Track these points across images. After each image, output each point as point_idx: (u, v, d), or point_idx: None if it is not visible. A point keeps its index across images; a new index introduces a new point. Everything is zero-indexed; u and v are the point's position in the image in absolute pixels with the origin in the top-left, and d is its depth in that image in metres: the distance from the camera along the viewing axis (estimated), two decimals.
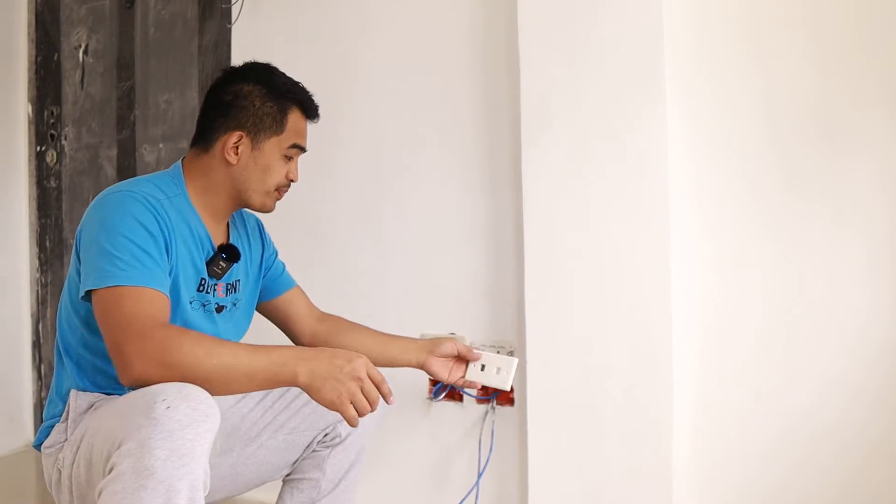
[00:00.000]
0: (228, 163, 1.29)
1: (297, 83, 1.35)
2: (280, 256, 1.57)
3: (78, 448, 1.12)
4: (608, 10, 1.52)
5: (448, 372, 1.43)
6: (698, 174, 1.56)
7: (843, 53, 1.51)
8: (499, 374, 1.42)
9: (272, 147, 1.30)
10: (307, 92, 1.36)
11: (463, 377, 1.44)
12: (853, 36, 1.52)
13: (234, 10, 2.06)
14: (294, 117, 1.32)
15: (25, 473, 2.24)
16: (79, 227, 1.22)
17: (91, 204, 1.22)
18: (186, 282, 1.24)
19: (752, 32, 1.56)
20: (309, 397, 1.35)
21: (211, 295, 1.30)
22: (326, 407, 1.10)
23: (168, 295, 1.15)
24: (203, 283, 1.28)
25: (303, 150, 1.35)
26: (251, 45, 2.04)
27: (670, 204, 1.47)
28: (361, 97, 1.90)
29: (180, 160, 1.34)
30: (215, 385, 1.04)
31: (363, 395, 1.10)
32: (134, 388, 1.06)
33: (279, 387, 1.11)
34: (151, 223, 1.17)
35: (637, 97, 1.50)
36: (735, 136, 1.56)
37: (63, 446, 1.17)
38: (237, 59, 2.07)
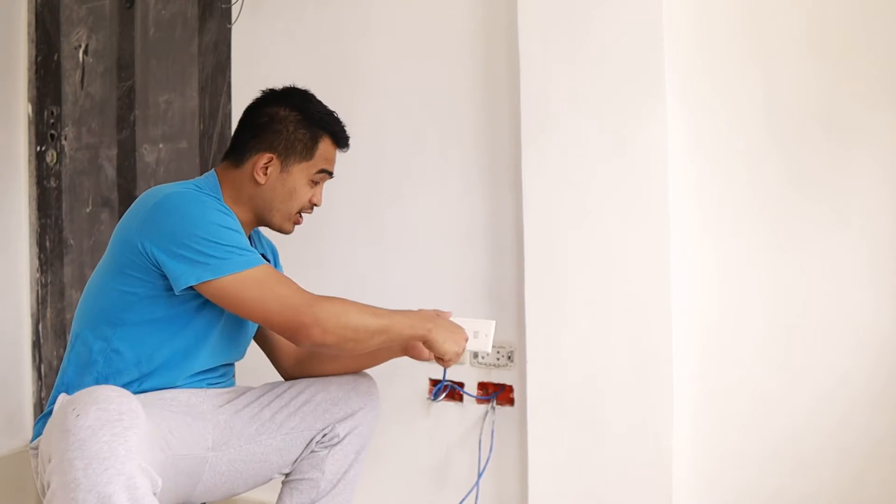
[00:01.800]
0: (257, 182, 1.34)
1: (331, 112, 1.42)
2: (280, 257, 1.57)
3: (39, 459, 1.12)
4: (608, 8, 1.52)
5: (427, 352, 1.42)
6: (699, 172, 1.56)
7: (846, 50, 1.51)
8: (477, 337, 1.40)
9: (300, 172, 1.36)
10: (340, 122, 1.42)
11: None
12: (856, 32, 1.51)
13: (234, 10, 2.06)
14: (325, 145, 1.39)
15: (25, 473, 2.23)
16: (138, 223, 1.23)
17: (150, 203, 1.24)
18: None
19: (754, 29, 1.56)
20: (308, 398, 1.41)
21: None
22: (443, 354, 1.33)
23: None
24: None
25: (330, 175, 1.42)
26: (251, 45, 2.04)
27: (670, 203, 1.47)
28: (361, 97, 1.90)
29: (213, 169, 1.39)
30: (377, 339, 1.25)
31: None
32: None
33: (416, 340, 1.32)
34: (230, 219, 1.25)
35: (637, 96, 1.50)
36: (736, 134, 1.56)
37: (38, 451, 1.18)
38: (237, 59, 2.07)
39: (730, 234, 1.56)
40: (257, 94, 1.43)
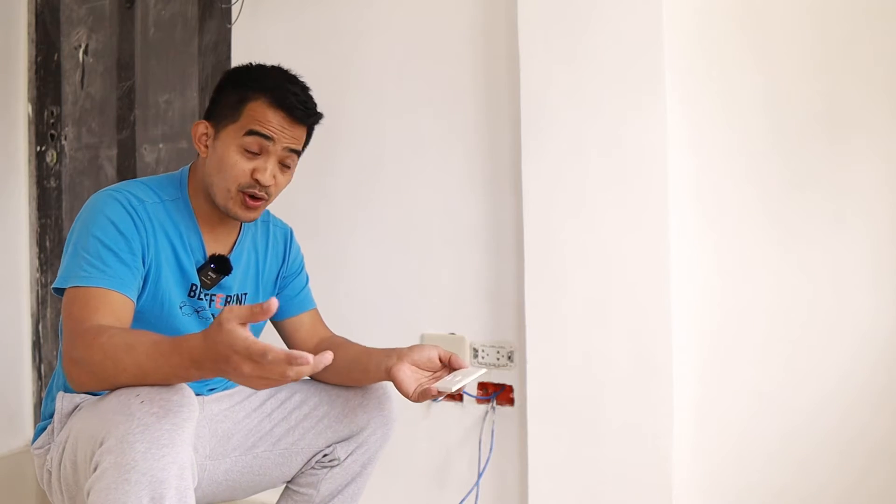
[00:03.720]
0: (203, 158, 1.25)
1: (279, 74, 1.25)
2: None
3: (64, 449, 1.12)
4: (608, 6, 1.52)
5: (415, 384, 1.18)
6: (699, 171, 1.56)
7: (848, 48, 1.51)
8: (453, 378, 1.16)
9: (227, 136, 1.20)
10: (288, 83, 1.23)
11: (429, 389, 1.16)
12: (857, 30, 1.51)
13: (234, 10, 2.05)
14: (256, 105, 1.19)
15: (25, 473, 2.23)
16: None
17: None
18: (175, 286, 1.23)
19: (754, 27, 1.56)
20: (309, 412, 1.33)
21: (206, 303, 1.29)
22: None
23: (131, 297, 1.14)
24: (194, 288, 1.27)
25: (265, 138, 1.18)
26: (251, 45, 2.04)
27: (669, 202, 1.47)
28: (361, 97, 1.90)
29: (190, 164, 1.32)
30: (130, 383, 1.00)
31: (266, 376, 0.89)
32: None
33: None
34: (126, 223, 1.16)
35: (637, 96, 1.50)
36: (737, 133, 1.56)
37: (50, 447, 1.18)
38: (237, 59, 2.07)
39: (730, 233, 1.56)
40: None
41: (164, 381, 0.99)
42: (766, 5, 1.55)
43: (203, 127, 1.24)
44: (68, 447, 1.10)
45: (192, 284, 1.26)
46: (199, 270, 1.26)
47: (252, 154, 1.20)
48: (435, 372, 1.21)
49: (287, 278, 1.42)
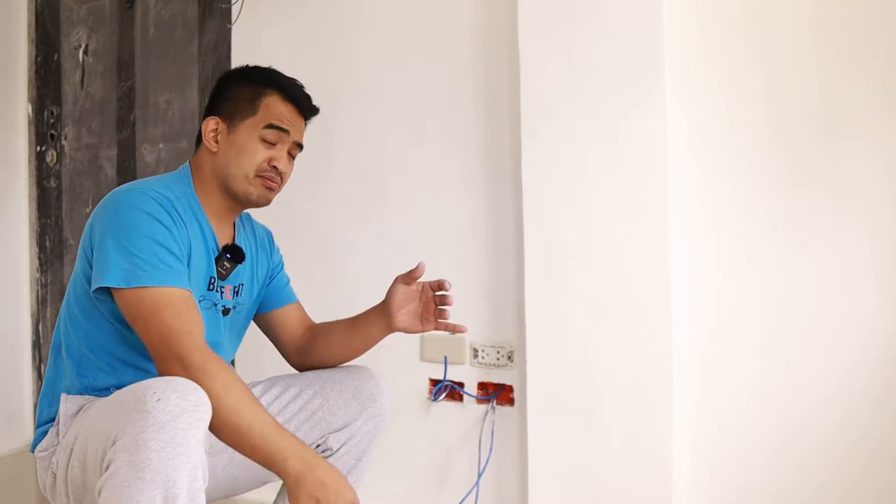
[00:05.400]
0: (212, 152, 1.30)
1: (282, 74, 1.35)
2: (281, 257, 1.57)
3: (71, 451, 1.11)
4: (609, 6, 1.52)
5: (419, 319, 1.35)
6: (700, 170, 1.56)
7: (848, 46, 1.51)
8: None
9: (246, 129, 1.29)
10: (292, 79, 1.34)
11: (436, 319, 1.34)
12: (859, 28, 1.51)
13: (234, 10, 2.06)
14: (271, 100, 1.30)
15: (25, 474, 2.23)
16: (88, 225, 1.22)
17: (100, 202, 1.23)
18: (198, 279, 1.25)
19: (755, 25, 1.55)
20: (303, 405, 1.37)
21: (220, 295, 1.31)
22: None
23: (192, 290, 1.17)
24: (212, 281, 1.29)
25: (283, 131, 1.30)
26: (251, 45, 2.04)
27: (669, 201, 1.47)
28: (361, 97, 1.90)
29: (188, 161, 1.34)
30: (221, 432, 1.07)
31: None
32: None
33: (269, 469, 1.08)
34: (168, 220, 1.18)
35: (637, 94, 1.50)
36: (737, 131, 1.56)
37: (56, 450, 1.17)
38: (237, 60, 2.07)
39: (730, 231, 1.56)
40: None
41: (257, 447, 1.07)
42: (767, 4, 1.55)
43: (213, 123, 1.30)
44: (77, 448, 1.10)
45: (211, 277, 1.29)
46: (216, 261, 1.30)
47: (270, 144, 1.30)
48: (423, 297, 1.36)
49: (273, 271, 1.47)
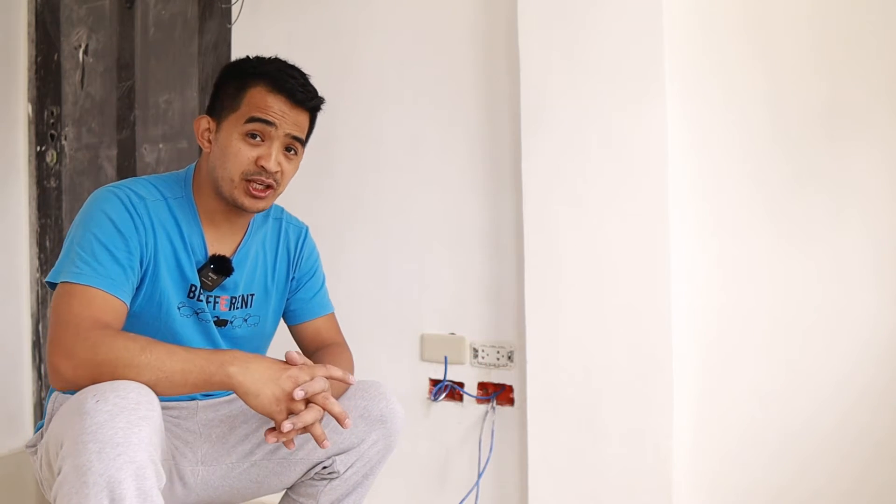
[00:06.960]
0: (207, 153, 1.24)
1: (277, 61, 1.23)
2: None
3: (44, 451, 1.10)
4: (609, 5, 1.52)
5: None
6: (700, 169, 1.56)
7: (849, 44, 1.50)
8: None
9: (230, 126, 1.19)
10: (285, 67, 1.22)
11: None
12: (860, 28, 1.51)
13: (234, 10, 2.06)
14: (256, 91, 1.19)
15: (25, 473, 2.23)
16: None
17: None
18: (173, 286, 1.21)
19: (756, 25, 1.55)
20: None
21: (207, 304, 1.26)
22: (262, 414, 1.05)
23: (123, 299, 1.12)
24: (193, 289, 1.24)
25: (267, 123, 1.18)
26: (251, 45, 2.04)
27: (669, 202, 1.47)
28: (361, 97, 1.90)
29: (195, 163, 1.30)
30: (147, 383, 1.01)
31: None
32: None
33: (215, 389, 1.04)
34: (124, 221, 1.15)
35: (637, 94, 1.49)
36: (738, 131, 1.56)
37: (37, 448, 1.17)
38: None
39: (730, 231, 1.56)
40: None
41: (189, 371, 1.02)
42: (768, 3, 1.55)
43: (205, 122, 1.23)
44: (42, 449, 1.10)
45: (192, 285, 1.24)
46: (200, 271, 1.24)
47: (255, 141, 1.18)
48: None
49: (300, 280, 1.38)
